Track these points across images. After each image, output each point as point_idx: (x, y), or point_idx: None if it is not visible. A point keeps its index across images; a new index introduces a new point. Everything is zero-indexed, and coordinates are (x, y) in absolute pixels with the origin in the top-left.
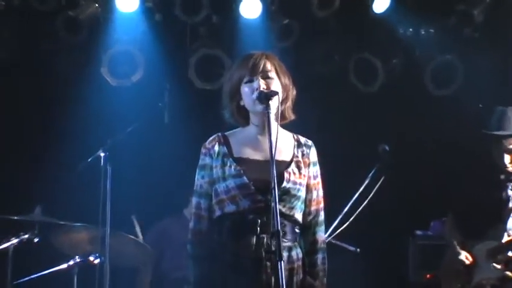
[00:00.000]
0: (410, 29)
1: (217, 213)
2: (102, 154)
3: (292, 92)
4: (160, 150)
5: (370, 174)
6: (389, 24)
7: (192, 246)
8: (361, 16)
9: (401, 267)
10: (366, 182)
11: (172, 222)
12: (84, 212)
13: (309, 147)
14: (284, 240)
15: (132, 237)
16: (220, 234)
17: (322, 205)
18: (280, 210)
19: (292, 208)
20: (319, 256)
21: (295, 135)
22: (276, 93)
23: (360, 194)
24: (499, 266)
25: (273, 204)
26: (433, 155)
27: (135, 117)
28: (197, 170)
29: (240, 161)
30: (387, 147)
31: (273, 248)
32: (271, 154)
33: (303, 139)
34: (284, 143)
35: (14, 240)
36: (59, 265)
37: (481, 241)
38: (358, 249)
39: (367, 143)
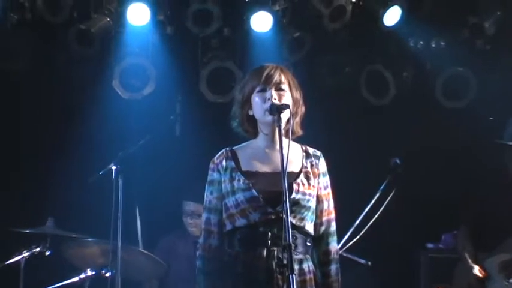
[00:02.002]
0: (421, 42)
1: (228, 227)
2: (113, 167)
3: (302, 108)
4: (171, 163)
5: (381, 187)
6: (400, 37)
7: (203, 262)
8: (372, 29)
9: (413, 280)
10: (377, 195)
11: (178, 236)
12: (95, 224)
13: (318, 157)
14: (295, 252)
15: (144, 250)
16: (232, 247)
17: (333, 215)
18: (290, 221)
19: (302, 219)
20: (333, 267)
21: (303, 146)
22: (288, 106)
23: (371, 206)
24: (511, 280)
25: (284, 216)
26: (445, 167)
27: (147, 130)
28: (206, 186)
29: (248, 174)
30: (398, 160)
31: (285, 261)
32: (283, 167)
33: (311, 150)
34: (293, 154)
35: (26, 253)
36: (70, 278)
37: (493, 254)
38: (369, 262)
39: (378, 156)
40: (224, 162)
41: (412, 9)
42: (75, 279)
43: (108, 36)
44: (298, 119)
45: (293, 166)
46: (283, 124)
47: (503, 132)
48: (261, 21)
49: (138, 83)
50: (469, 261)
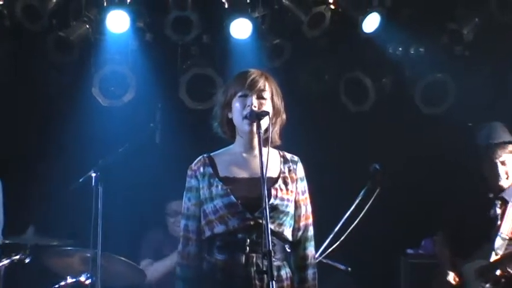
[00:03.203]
0: (400, 48)
1: (207, 233)
2: (93, 174)
3: (282, 117)
4: (151, 170)
5: (361, 193)
6: (379, 43)
7: (181, 269)
8: (351, 35)
9: (393, 285)
10: (357, 200)
11: (164, 237)
12: (76, 231)
13: (296, 162)
14: (274, 259)
15: (123, 258)
16: (211, 254)
17: (311, 220)
18: (269, 227)
19: (281, 225)
20: (310, 272)
21: (280, 152)
22: (267, 113)
23: (350, 212)
24: (487, 285)
25: (264, 222)
26: (424, 173)
27: (127, 137)
28: (184, 193)
29: (226, 180)
30: (378, 166)
31: (264, 268)
32: (262, 174)
33: (288, 155)
34: (270, 160)
35: (5, 261)
36: (50, 285)
37: (469, 260)
38: (349, 268)
39: (357, 162)
40: (202, 169)
41: (391, 15)
42: (55, 286)
43: (88, 44)
44: (277, 128)
45: (271, 171)
46: (261, 131)
47: (479, 136)
48: (241, 28)
49: (118, 90)
50: (446, 267)
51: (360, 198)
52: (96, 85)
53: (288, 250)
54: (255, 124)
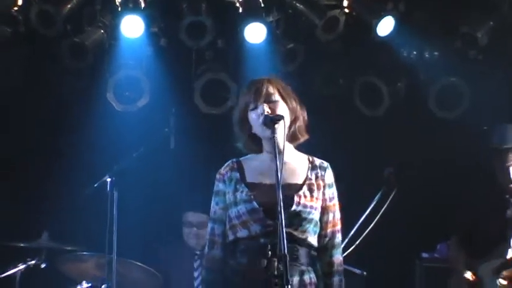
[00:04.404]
0: (415, 52)
1: (231, 237)
2: (108, 179)
3: (302, 112)
4: (166, 175)
5: (376, 198)
6: (394, 47)
7: (206, 272)
8: (365, 39)
9: None
10: (372, 205)
11: (177, 248)
12: (91, 237)
13: (325, 169)
14: (296, 264)
15: (139, 263)
16: (234, 258)
17: (338, 227)
18: (292, 234)
19: (304, 231)
20: (336, 279)
21: (310, 157)
22: (282, 117)
23: (366, 217)
24: (504, 282)
25: (279, 227)
26: (439, 177)
27: (141, 142)
28: (212, 197)
29: (252, 186)
30: (392, 170)
31: (276, 272)
32: (277, 178)
33: (318, 161)
34: (298, 166)
35: (21, 266)
36: None
37: (486, 260)
38: (365, 272)
39: (372, 167)
40: (229, 173)
41: (405, 19)
42: None
43: (102, 49)
44: (301, 123)
45: (296, 178)
46: (281, 134)
47: (492, 137)
48: (255, 33)
49: (132, 95)
50: (462, 268)
51: (374, 202)
52: (110, 90)
53: (314, 254)
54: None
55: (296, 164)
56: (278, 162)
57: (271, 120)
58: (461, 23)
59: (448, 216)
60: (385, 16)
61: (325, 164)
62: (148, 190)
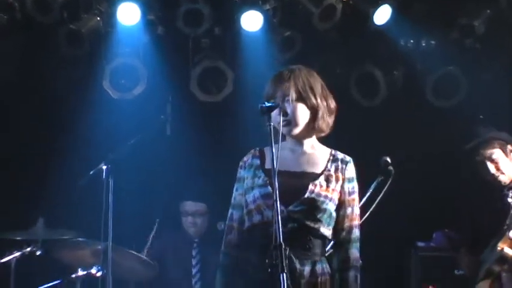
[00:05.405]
0: (412, 41)
1: (247, 223)
2: (104, 167)
3: (329, 105)
4: (162, 163)
5: (372, 187)
6: (391, 36)
7: (223, 256)
8: (362, 28)
9: (403, 278)
10: (368, 194)
11: (174, 236)
12: (86, 224)
13: (346, 163)
14: (309, 253)
15: (133, 252)
16: (247, 244)
17: (356, 222)
18: (304, 222)
19: (317, 221)
20: (351, 274)
21: (333, 151)
22: (277, 105)
23: (361, 206)
24: (501, 247)
25: (275, 216)
26: (436, 166)
27: (137, 130)
28: (234, 184)
29: (269, 172)
30: (389, 159)
31: (277, 261)
32: (273, 166)
33: (341, 155)
34: (317, 156)
35: (17, 253)
36: (61, 278)
37: (487, 247)
38: (360, 261)
39: (368, 156)
40: (250, 160)
41: (402, 8)
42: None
43: (98, 36)
44: (325, 117)
45: (314, 168)
46: (280, 120)
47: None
48: (252, 21)
49: (129, 83)
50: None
51: (370, 191)
52: (106, 78)
53: (328, 244)
54: (290, 123)
55: (316, 155)
56: (274, 150)
57: (268, 109)
58: (458, 12)
59: (444, 206)
60: (382, 4)
61: (348, 158)
62: (144, 177)
